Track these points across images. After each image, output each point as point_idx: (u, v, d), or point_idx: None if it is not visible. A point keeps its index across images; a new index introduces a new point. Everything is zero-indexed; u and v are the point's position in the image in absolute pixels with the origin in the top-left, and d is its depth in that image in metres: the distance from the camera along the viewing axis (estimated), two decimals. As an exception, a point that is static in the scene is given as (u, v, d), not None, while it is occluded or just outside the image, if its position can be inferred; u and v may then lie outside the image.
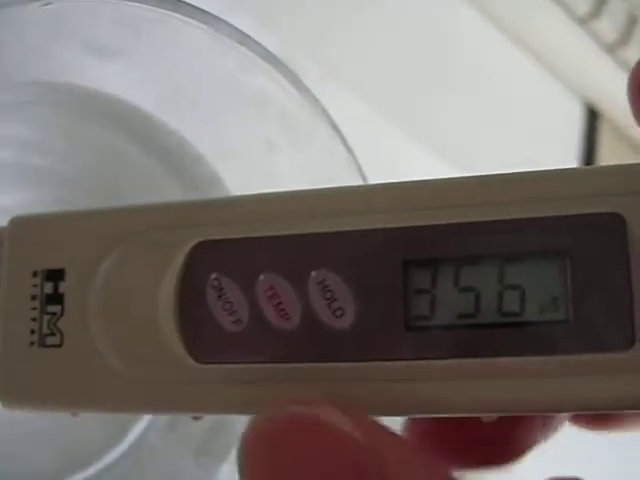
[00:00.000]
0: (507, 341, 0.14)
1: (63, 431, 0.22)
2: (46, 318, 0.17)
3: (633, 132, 0.47)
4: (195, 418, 0.18)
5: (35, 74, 0.22)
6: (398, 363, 0.15)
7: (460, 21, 0.43)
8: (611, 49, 0.44)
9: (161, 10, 0.20)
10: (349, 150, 0.20)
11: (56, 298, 0.17)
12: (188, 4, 0.20)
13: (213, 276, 0.16)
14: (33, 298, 0.17)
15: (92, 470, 0.22)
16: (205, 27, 0.19)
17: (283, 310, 0.15)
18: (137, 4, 0.19)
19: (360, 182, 0.20)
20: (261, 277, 0.15)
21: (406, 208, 0.15)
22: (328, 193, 0.16)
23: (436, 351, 0.15)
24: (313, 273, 0.15)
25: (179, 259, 0.16)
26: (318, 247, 0.15)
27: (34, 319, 0.17)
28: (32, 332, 0.17)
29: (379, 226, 0.15)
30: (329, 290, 0.15)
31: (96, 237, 0.17)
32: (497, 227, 0.15)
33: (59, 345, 0.16)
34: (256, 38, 0.21)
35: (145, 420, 0.23)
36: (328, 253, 0.15)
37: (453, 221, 0.15)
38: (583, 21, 0.43)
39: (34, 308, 0.17)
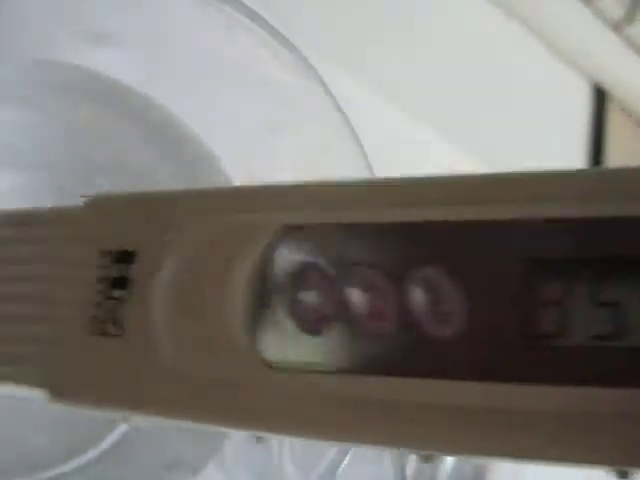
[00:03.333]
0: None
1: (61, 416, 0.22)
2: (109, 303, 0.15)
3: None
4: (258, 439, 0.15)
5: (22, 52, 0.21)
6: (514, 387, 0.12)
7: (465, 3, 0.42)
8: (617, 27, 0.43)
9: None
10: (344, 118, 0.19)
11: (123, 282, 0.15)
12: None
13: (298, 266, 0.13)
14: (99, 281, 0.15)
15: (90, 454, 0.22)
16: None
17: (378, 310, 0.13)
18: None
19: (357, 149, 0.19)
20: (355, 270, 0.13)
21: (536, 198, 0.12)
22: (441, 180, 0.13)
23: (563, 375, 0.11)
24: (417, 269, 0.13)
25: (260, 245, 0.14)
26: (428, 239, 0.13)
27: (98, 304, 0.15)
28: (93, 318, 0.15)
29: (499, 217, 0.12)
30: (434, 290, 0.13)
31: (172, 220, 0.15)
32: None
33: (119, 335, 0.15)
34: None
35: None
36: (438, 246, 0.13)
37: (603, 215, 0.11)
38: (588, 0, 0.42)
39: (99, 291, 0.15)
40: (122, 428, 0.22)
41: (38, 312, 0.16)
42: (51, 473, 0.21)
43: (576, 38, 0.44)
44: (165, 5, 0.22)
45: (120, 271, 0.15)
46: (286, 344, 0.13)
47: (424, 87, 0.38)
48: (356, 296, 0.13)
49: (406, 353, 0.12)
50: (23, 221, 0.17)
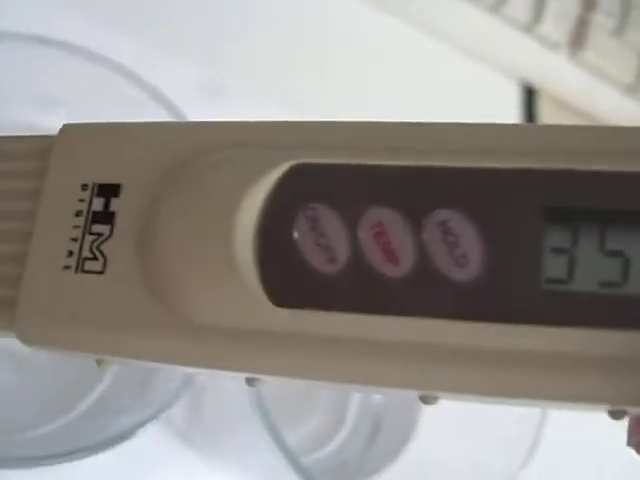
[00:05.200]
0: None
1: (34, 384, 0.24)
2: (89, 239, 0.14)
3: (571, 100, 0.50)
4: (250, 382, 0.14)
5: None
6: (525, 327, 0.12)
7: (383, 26, 0.46)
8: (528, 29, 0.47)
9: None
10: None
11: (105, 217, 0.14)
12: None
13: (309, 204, 0.13)
14: (77, 214, 0.14)
15: (61, 421, 0.24)
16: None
17: (392, 252, 0.13)
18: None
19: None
20: (369, 210, 0.13)
21: (554, 150, 0.13)
22: (463, 127, 0.14)
23: (572, 318, 0.12)
24: (434, 211, 0.13)
25: (268, 182, 0.13)
26: (444, 183, 0.13)
27: (74, 239, 0.14)
28: (70, 254, 0.14)
29: (520, 166, 0.13)
30: (452, 234, 0.13)
31: (165, 152, 0.14)
32: None
33: (100, 272, 0.14)
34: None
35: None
36: (455, 191, 0.13)
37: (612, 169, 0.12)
38: (494, 9, 0.47)
39: (77, 226, 0.14)
40: (89, 401, 0.24)
41: (9, 250, 0.15)
42: (28, 435, 0.23)
43: (494, 46, 0.48)
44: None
45: (102, 205, 0.14)
46: (297, 283, 0.13)
47: (343, 102, 0.41)
48: (369, 237, 0.12)
49: (423, 295, 0.12)
50: None
